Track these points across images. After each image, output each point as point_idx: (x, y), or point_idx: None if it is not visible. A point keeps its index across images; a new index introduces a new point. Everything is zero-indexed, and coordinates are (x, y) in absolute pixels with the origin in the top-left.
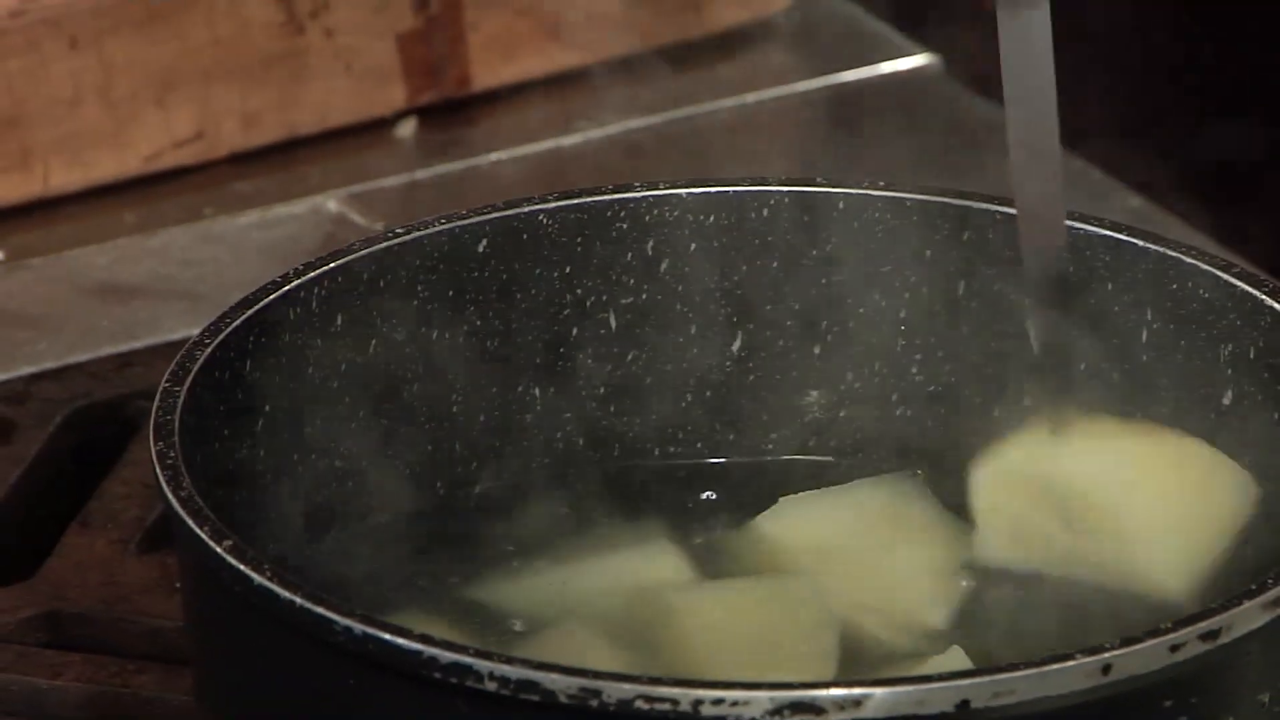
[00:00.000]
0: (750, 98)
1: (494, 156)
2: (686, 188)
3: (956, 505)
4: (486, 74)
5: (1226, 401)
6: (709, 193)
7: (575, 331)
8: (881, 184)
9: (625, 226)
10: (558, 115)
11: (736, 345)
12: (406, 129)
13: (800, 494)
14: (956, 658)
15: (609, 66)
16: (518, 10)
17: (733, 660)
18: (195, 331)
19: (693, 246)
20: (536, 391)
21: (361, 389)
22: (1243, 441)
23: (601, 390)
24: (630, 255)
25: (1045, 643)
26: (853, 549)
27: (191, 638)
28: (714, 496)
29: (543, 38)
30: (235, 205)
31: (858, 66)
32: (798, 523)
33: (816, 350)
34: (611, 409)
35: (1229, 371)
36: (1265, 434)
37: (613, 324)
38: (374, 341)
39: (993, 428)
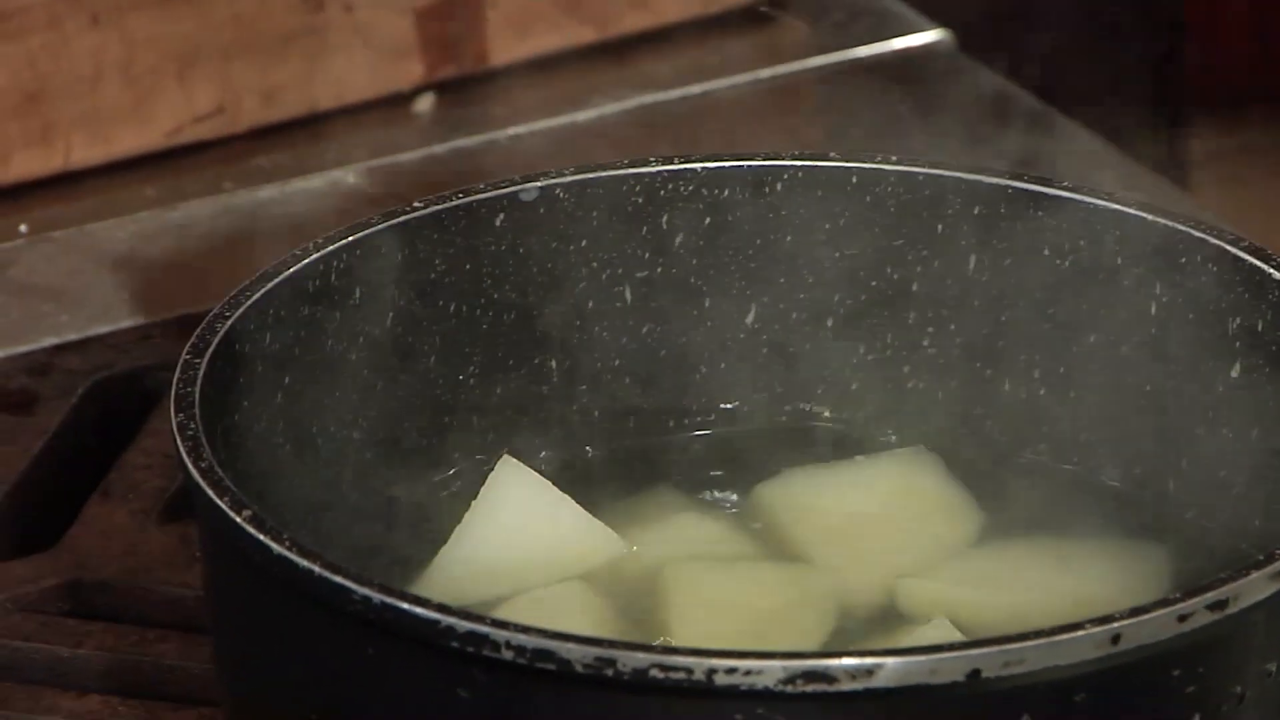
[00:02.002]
0: (764, 73)
1: (511, 131)
2: (701, 162)
3: (964, 477)
4: (504, 49)
5: (1235, 375)
6: (723, 167)
7: (591, 304)
8: (894, 158)
9: (640, 200)
10: (574, 90)
11: (750, 317)
12: (425, 104)
13: (804, 466)
14: (943, 628)
15: (624, 42)
16: None
17: (727, 638)
18: (215, 304)
19: (707, 220)
20: (553, 364)
21: (379, 361)
22: (1250, 414)
23: (616, 362)
24: (645, 229)
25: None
26: (853, 520)
27: (211, 606)
28: (725, 467)
29: (560, 13)
30: (255, 180)
31: (872, 42)
32: (798, 494)
33: (829, 323)
34: (626, 380)
35: (1237, 345)
36: (1272, 407)
37: (628, 297)
38: (391, 314)
39: (1002, 400)
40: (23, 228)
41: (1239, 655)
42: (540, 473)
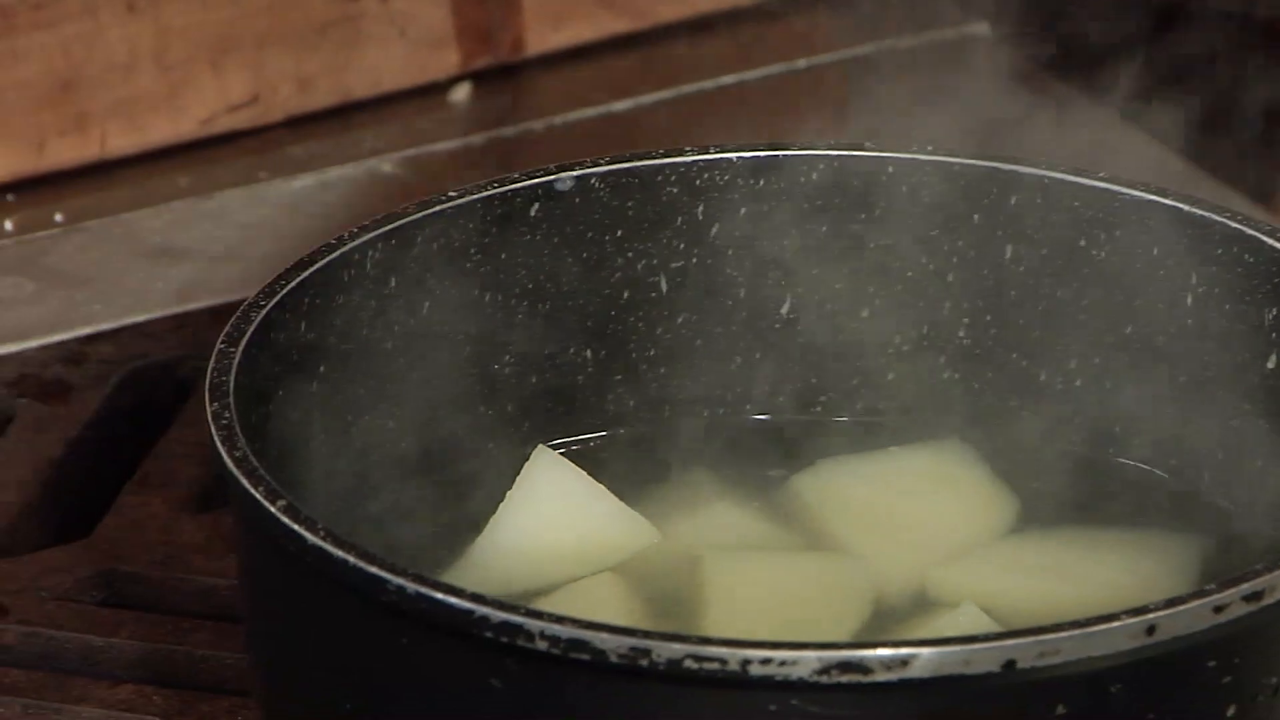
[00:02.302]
0: (801, 63)
1: (547, 121)
2: (736, 152)
3: (998, 466)
4: (540, 39)
5: (1271, 366)
6: (758, 157)
7: (626, 294)
8: (929, 148)
9: (675, 190)
10: (610, 80)
11: (785, 308)
12: (461, 93)
13: (838, 456)
14: (972, 613)
15: (660, 32)
16: None
17: (761, 628)
18: (249, 293)
19: (742, 210)
20: (588, 353)
21: (414, 350)
22: None
23: (652, 352)
24: (680, 219)
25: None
26: (887, 509)
27: (244, 594)
28: (759, 456)
29: (595, 3)
30: (290, 169)
31: (904, 34)
32: (833, 483)
33: (865, 314)
34: (661, 370)
35: (1273, 335)
36: None
37: (663, 287)
38: (427, 303)
39: (1038, 390)
40: (58, 216)
41: (1275, 646)
42: (575, 462)
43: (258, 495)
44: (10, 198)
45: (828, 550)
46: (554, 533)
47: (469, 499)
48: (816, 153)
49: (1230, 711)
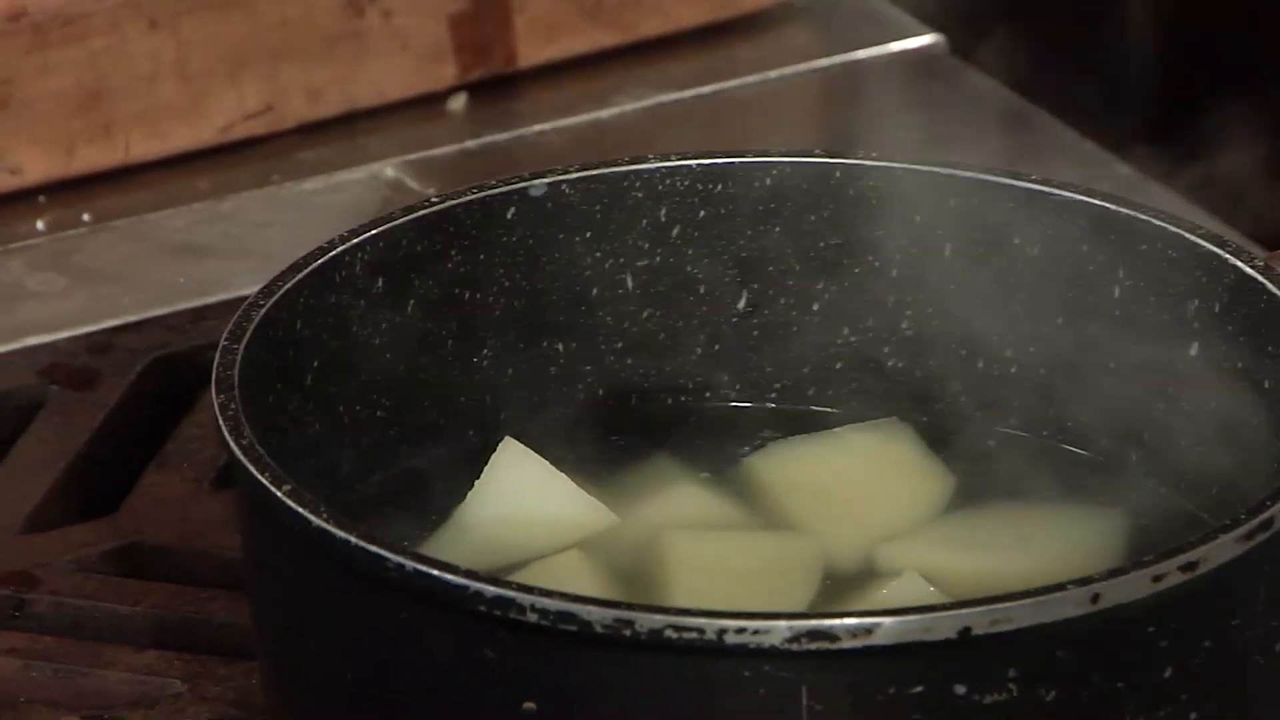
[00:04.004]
0: (771, 74)
1: (538, 128)
2: (696, 159)
3: (939, 449)
4: (531, 52)
5: (1193, 353)
6: (716, 163)
7: (595, 291)
8: (874, 155)
9: (640, 195)
10: (596, 90)
11: (742, 303)
12: (457, 103)
13: (790, 438)
14: (914, 581)
15: (643, 46)
16: None
17: (719, 600)
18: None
19: (702, 213)
20: (560, 346)
21: (399, 344)
22: (1207, 390)
23: (619, 344)
24: (645, 221)
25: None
26: (834, 488)
27: (249, 572)
28: (717, 440)
29: (584, 19)
30: (301, 172)
31: (869, 46)
32: (784, 464)
33: (815, 307)
34: (629, 361)
35: (1195, 326)
36: (1227, 383)
37: (630, 284)
38: (411, 301)
39: (977, 376)
40: (86, 217)
41: (1208, 612)
42: (548, 446)
43: (264, 480)
44: (42, 199)
45: (780, 528)
46: (516, 516)
47: (449, 482)
48: (768, 160)
49: (1167, 672)
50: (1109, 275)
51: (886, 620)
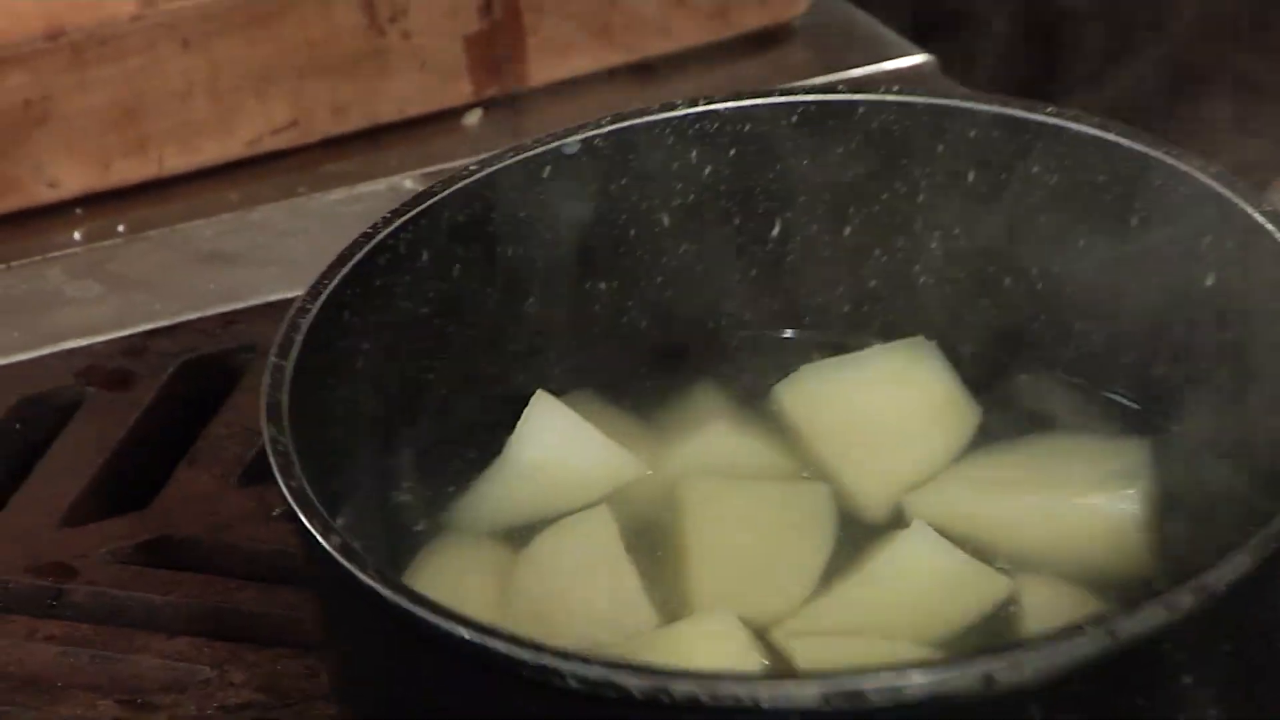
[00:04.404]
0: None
1: None
2: (723, 102)
3: (966, 369)
4: (543, 71)
5: (1209, 284)
6: (743, 105)
7: (633, 232)
8: (895, 89)
9: (671, 141)
10: (605, 106)
11: (775, 231)
12: (473, 118)
13: (819, 362)
14: (922, 532)
15: (650, 64)
16: (570, 15)
17: (739, 558)
18: (291, 293)
19: (732, 152)
20: (602, 286)
21: (448, 309)
22: (1223, 320)
23: (659, 279)
24: (677, 164)
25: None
26: (860, 423)
27: (315, 608)
28: (754, 365)
29: (592, 39)
30: (325, 184)
31: (864, 64)
32: (811, 397)
33: (846, 232)
34: (668, 294)
35: (1210, 258)
36: (1240, 315)
37: (666, 222)
38: (457, 266)
39: (1003, 293)
40: (120, 227)
41: (1221, 627)
42: (594, 386)
43: (313, 530)
44: (79, 211)
45: (802, 475)
46: (549, 469)
47: (500, 433)
48: (794, 98)
49: (1186, 681)
50: (1123, 207)
51: (916, 677)
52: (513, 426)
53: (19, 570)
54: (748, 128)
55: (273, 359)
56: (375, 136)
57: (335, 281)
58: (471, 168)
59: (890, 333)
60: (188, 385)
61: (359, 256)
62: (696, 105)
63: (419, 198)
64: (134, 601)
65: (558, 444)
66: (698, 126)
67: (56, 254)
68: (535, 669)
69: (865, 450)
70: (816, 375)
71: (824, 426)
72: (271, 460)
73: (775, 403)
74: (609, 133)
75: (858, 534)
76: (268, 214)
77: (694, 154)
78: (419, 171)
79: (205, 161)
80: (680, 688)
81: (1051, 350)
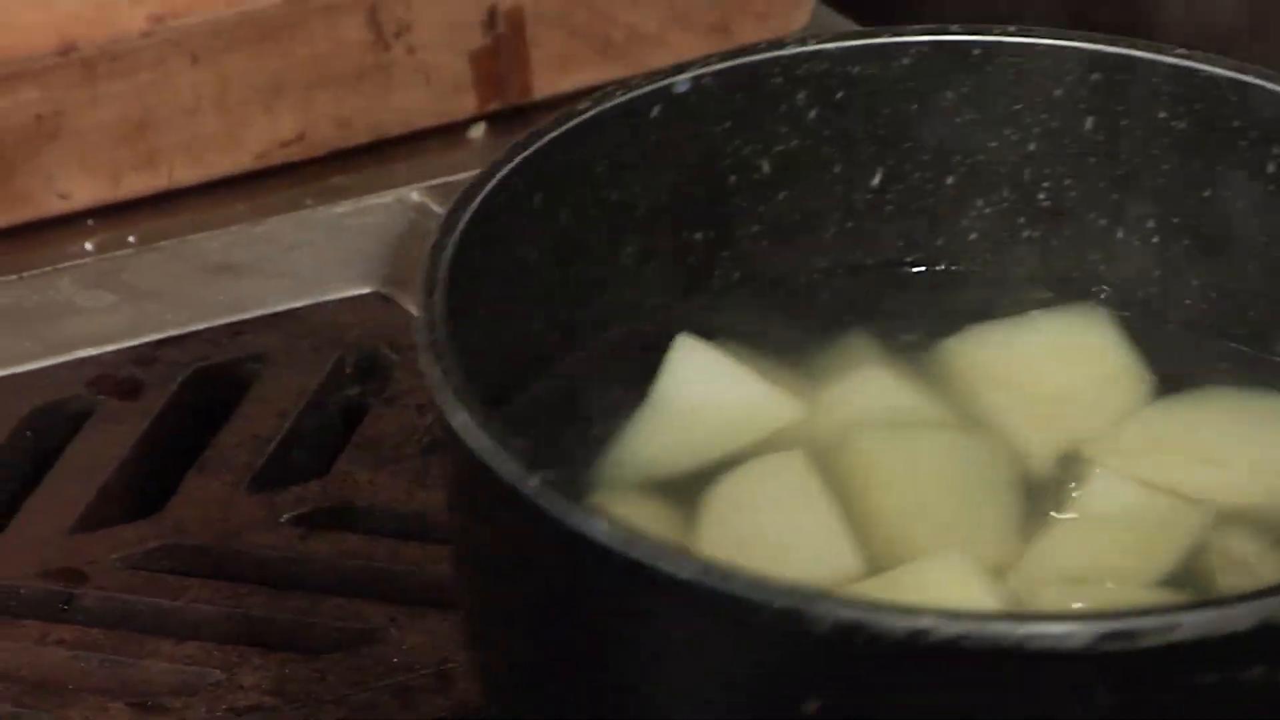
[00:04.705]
0: None
1: None
2: (834, 41)
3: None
4: (546, 85)
5: None
6: (853, 45)
7: (732, 179)
8: (1012, 29)
9: (779, 80)
10: None
11: (876, 180)
12: (477, 131)
13: (989, 322)
14: (1108, 479)
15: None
16: (572, 31)
17: (924, 510)
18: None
19: (839, 94)
20: (698, 236)
21: (558, 253)
22: None
23: (755, 229)
24: (783, 106)
25: None
26: (1033, 373)
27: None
28: (855, 312)
29: (594, 54)
30: (332, 196)
31: None
32: (980, 347)
33: (950, 180)
34: (764, 244)
35: None
36: None
37: (766, 169)
38: (564, 210)
39: (1115, 248)
40: (131, 238)
41: None
42: (725, 333)
43: (500, 469)
44: (90, 222)
45: (974, 429)
46: (702, 412)
47: (615, 383)
48: (907, 39)
49: None
50: (1261, 151)
51: (1186, 618)
52: (642, 378)
53: (31, 575)
54: (856, 69)
55: (422, 298)
56: (381, 150)
57: (465, 218)
58: (582, 106)
59: (993, 281)
60: (197, 394)
61: (484, 193)
62: (806, 44)
63: (531, 137)
64: (144, 606)
65: (709, 387)
66: (806, 66)
67: (68, 264)
68: (779, 613)
69: (1035, 406)
70: (984, 334)
71: (991, 383)
72: (464, 419)
73: (938, 356)
74: (719, 70)
75: (1033, 485)
76: (275, 226)
77: (801, 95)
78: (424, 184)
79: (214, 174)
80: (947, 628)
81: (1172, 296)
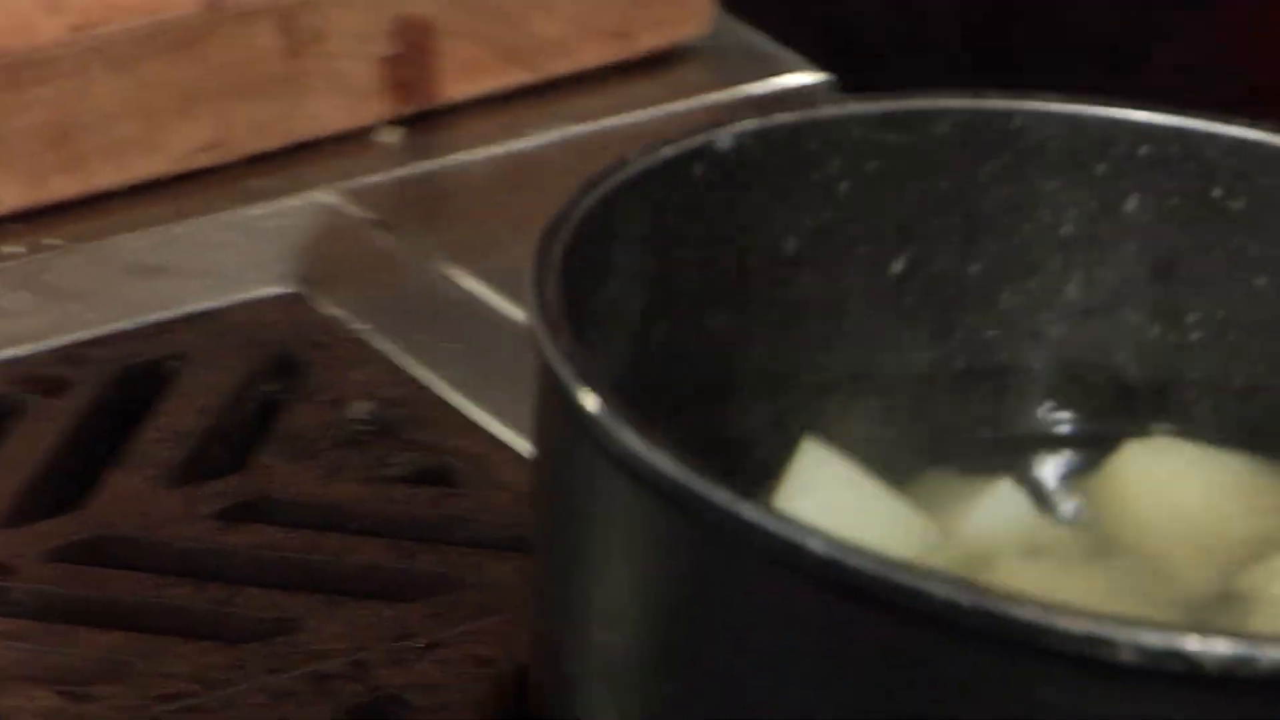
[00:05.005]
0: (669, 108)
1: (460, 157)
2: (876, 102)
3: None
4: (454, 90)
5: None
6: (881, 110)
7: (751, 260)
8: (1058, 98)
9: (814, 147)
10: (513, 124)
11: (899, 267)
12: (389, 135)
13: (1125, 452)
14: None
15: (554, 84)
16: (479, 38)
17: None
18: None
19: (872, 164)
20: (721, 319)
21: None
22: None
23: (776, 315)
24: (816, 174)
25: None
26: (1176, 516)
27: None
28: (881, 418)
29: (500, 60)
30: (248, 199)
31: (758, 80)
32: (1128, 485)
33: (971, 270)
34: (790, 334)
35: None
36: None
37: (792, 248)
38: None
39: (1152, 347)
40: (55, 240)
41: None
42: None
43: (673, 470)
44: (15, 225)
45: (1126, 555)
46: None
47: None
48: (938, 104)
49: None
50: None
51: None
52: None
53: None
54: (890, 137)
55: (536, 300)
56: (295, 154)
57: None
58: (626, 158)
59: (1002, 386)
60: (121, 392)
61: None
62: (845, 107)
63: (609, 170)
64: (67, 598)
65: (835, 501)
66: (842, 131)
67: None
68: (1075, 639)
69: (1182, 537)
70: (1129, 465)
71: (1133, 513)
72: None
73: (1079, 487)
74: (759, 130)
75: (1190, 609)
76: (195, 227)
77: (835, 163)
78: (338, 186)
79: (135, 178)
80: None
81: (1226, 413)
